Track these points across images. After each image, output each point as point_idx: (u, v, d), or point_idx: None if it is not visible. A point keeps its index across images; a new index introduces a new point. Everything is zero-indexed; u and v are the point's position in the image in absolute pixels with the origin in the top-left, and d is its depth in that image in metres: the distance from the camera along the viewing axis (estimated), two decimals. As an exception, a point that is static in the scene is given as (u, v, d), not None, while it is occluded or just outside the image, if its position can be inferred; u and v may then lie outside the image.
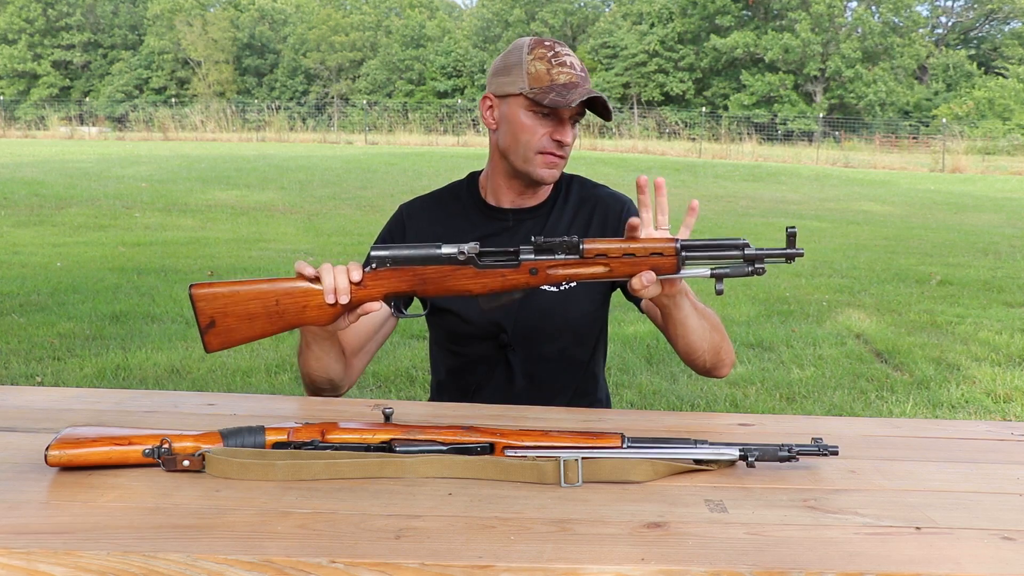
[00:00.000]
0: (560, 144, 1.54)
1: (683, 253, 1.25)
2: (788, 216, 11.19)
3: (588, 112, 1.57)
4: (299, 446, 1.13)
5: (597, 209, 1.67)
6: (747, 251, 1.24)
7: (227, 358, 4.24)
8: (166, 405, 1.40)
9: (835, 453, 1.16)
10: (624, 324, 4.99)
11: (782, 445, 1.16)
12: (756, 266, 1.25)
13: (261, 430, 1.14)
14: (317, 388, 1.55)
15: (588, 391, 1.72)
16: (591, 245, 1.26)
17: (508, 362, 1.63)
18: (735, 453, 1.15)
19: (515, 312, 1.61)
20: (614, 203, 1.68)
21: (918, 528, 0.98)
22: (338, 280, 1.28)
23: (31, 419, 1.30)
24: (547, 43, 1.55)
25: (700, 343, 1.48)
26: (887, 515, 1.01)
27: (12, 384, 3.68)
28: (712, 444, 1.16)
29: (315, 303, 1.29)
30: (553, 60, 1.51)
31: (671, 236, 1.29)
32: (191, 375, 3.99)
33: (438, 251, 1.27)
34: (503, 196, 1.65)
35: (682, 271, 1.27)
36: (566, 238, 1.26)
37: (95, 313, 5.03)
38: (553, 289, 1.62)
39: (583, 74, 1.54)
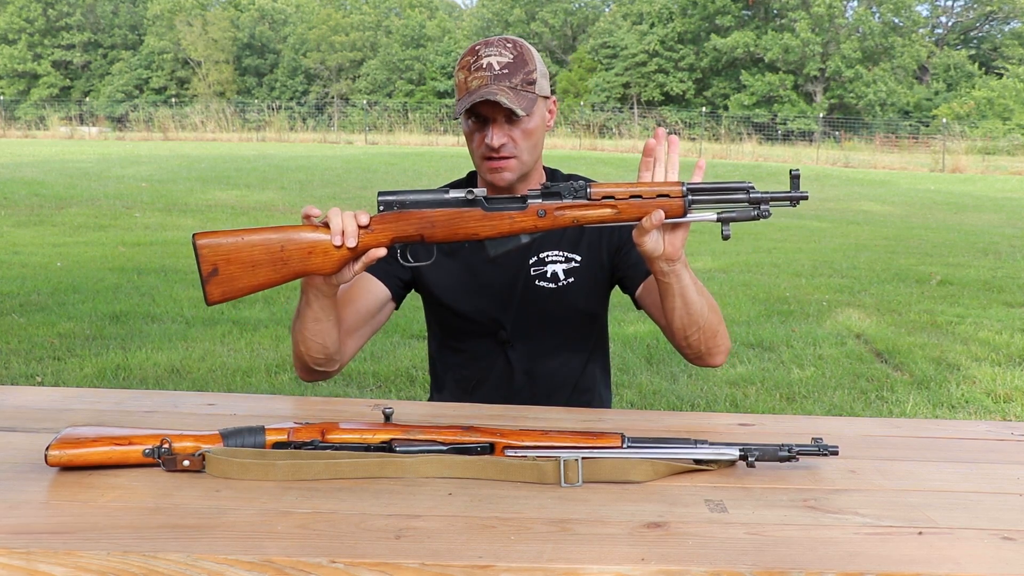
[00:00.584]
0: (489, 147, 1.51)
1: (689, 196, 1.27)
2: (788, 216, 11.19)
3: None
4: (299, 446, 1.13)
5: None
6: (752, 193, 1.25)
7: (227, 358, 4.24)
8: (166, 405, 1.40)
9: (835, 453, 1.16)
10: (624, 324, 4.99)
11: (782, 445, 1.16)
12: (761, 208, 1.26)
13: (261, 430, 1.14)
14: (310, 361, 1.50)
15: (588, 387, 1.72)
16: (598, 188, 1.27)
17: (507, 358, 1.63)
18: (735, 453, 1.15)
19: (514, 308, 1.62)
20: None
21: (918, 528, 0.98)
22: (346, 223, 1.27)
23: (31, 419, 1.30)
24: (476, 47, 1.53)
25: (697, 319, 1.45)
26: (887, 515, 1.01)
27: (12, 384, 3.68)
28: (712, 444, 1.16)
29: (321, 249, 1.27)
30: (472, 66, 1.50)
31: (678, 180, 1.30)
32: (191, 375, 3.99)
33: (445, 195, 1.28)
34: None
35: (689, 215, 1.27)
36: (572, 181, 1.28)
37: (95, 313, 5.03)
38: (551, 285, 1.62)
39: (505, 71, 1.48)
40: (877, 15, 35.34)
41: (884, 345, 4.76)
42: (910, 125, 31.04)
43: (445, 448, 1.14)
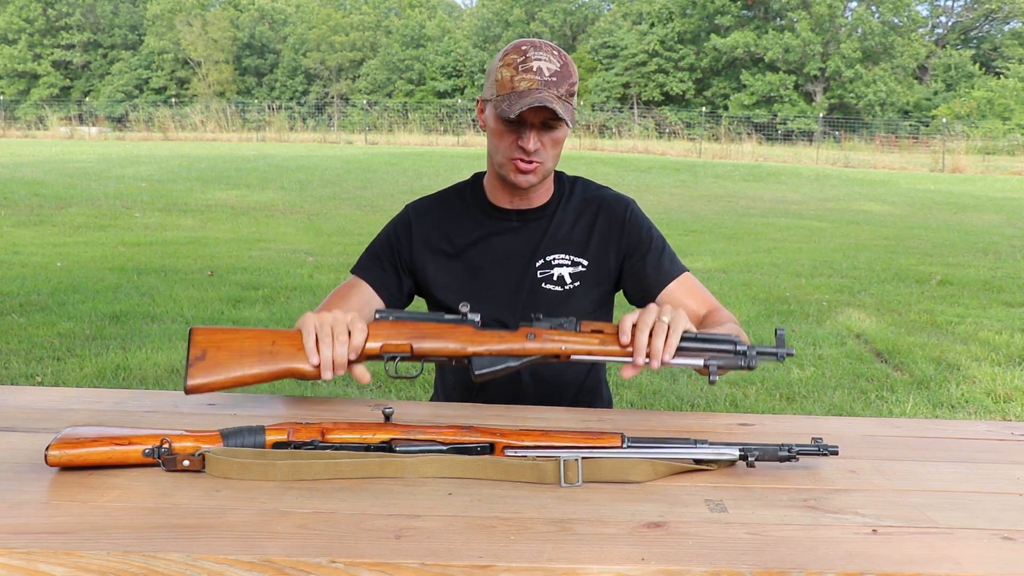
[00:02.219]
0: (524, 151, 1.52)
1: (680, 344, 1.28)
2: (788, 216, 11.19)
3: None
4: (299, 446, 1.13)
5: (601, 211, 1.67)
6: (738, 347, 1.28)
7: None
8: (166, 405, 1.40)
9: (835, 453, 1.16)
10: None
11: (782, 445, 1.16)
12: (748, 359, 1.28)
13: (261, 430, 1.14)
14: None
15: (593, 388, 1.73)
16: (587, 325, 1.30)
17: None
18: (735, 453, 1.15)
19: (519, 311, 1.62)
20: (617, 205, 1.68)
21: (918, 528, 0.98)
22: (336, 353, 1.28)
23: (31, 419, 1.30)
24: (523, 47, 1.52)
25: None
26: (887, 515, 1.01)
27: (12, 384, 3.68)
28: (712, 444, 1.16)
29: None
30: (520, 66, 1.49)
31: None
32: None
33: (442, 317, 1.31)
34: (501, 197, 1.66)
35: (676, 360, 1.29)
36: (565, 320, 1.30)
37: (95, 313, 5.03)
38: (557, 288, 1.63)
39: (553, 79, 1.49)
40: (877, 15, 35.34)
41: (884, 345, 4.76)
42: (910, 125, 31.04)
43: (445, 448, 1.14)
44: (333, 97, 40.98)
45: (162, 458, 1.09)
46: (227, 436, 1.12)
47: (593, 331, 1.29)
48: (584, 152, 23.09)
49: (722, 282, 6.43)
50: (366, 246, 1.73)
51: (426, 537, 0.91)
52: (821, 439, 1.17)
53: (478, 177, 1.71)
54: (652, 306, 1.31)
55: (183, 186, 12.58)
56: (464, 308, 1.29)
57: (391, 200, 11.28)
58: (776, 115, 33.01)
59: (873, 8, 35.74)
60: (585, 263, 1.64)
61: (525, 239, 1.65)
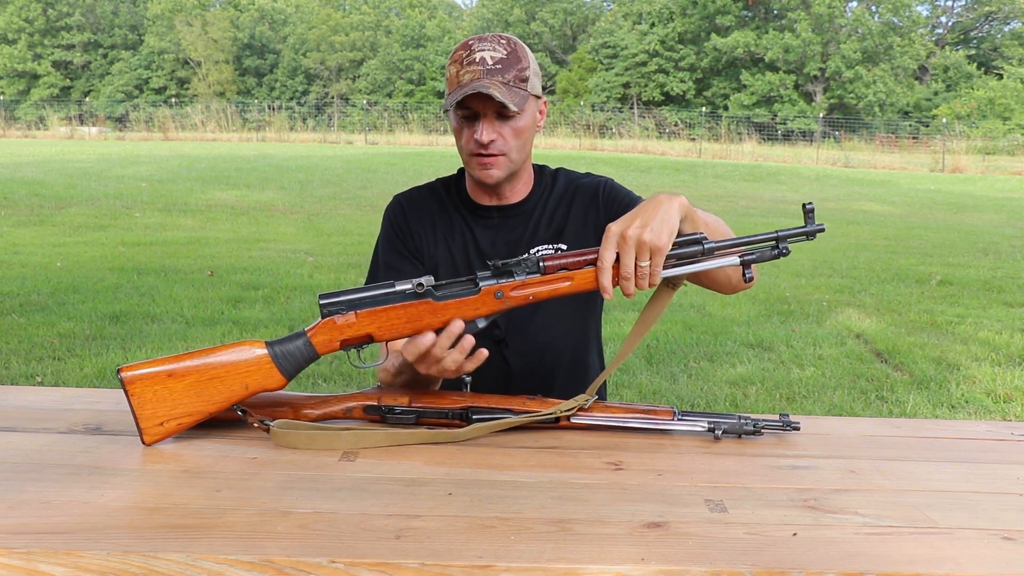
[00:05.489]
0: (479, 143, 1.49)
1: None
2: (788, 216, 11.19)
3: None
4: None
5: (576, 197, 1.64)
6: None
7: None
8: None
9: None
10: (624, 324, 5.00)
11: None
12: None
13: (302, 335, 1.24)
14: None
15: (585, 382, 1.72)
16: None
17: (503, 356, 1.63)
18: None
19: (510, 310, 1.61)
20: (592, 185, 1.65)
21: (918, 528, 0.98)
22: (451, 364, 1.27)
23: (31, 419, 1.30)
24: (470, 42, 1.51)
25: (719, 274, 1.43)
26: (887, 515, 1.01)
27: (12, 384, 3.68)
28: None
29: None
30: (464, 60, 1.48)
31: None
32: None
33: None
34: (480, 195, 1.64)
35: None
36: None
37: (95, 313, 5.03)
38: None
39: (497, 66, 1.46)
40: (877, 15, 35.33)
41: (884, 345, 4.76)
42: (910, 125, 31.03)
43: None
44: (333, 97, 40.97)
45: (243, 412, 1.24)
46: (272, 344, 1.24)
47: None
48: (584, 152, 23.08)
49: (722, 282, 6.43)
50: (370, 259, 1.70)
51: (426, 537, 0.91)
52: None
53: (463, 172, 1.69)
54: (628, 235, 1.21)
55: (183, 186, 12.58)
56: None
57: (388, 199, 11.26)
58: (776, 115, 32.99)
59: (873, 8, 35.73)
60: (564, 248, 1.61)
61: (506, 235, 1.63)
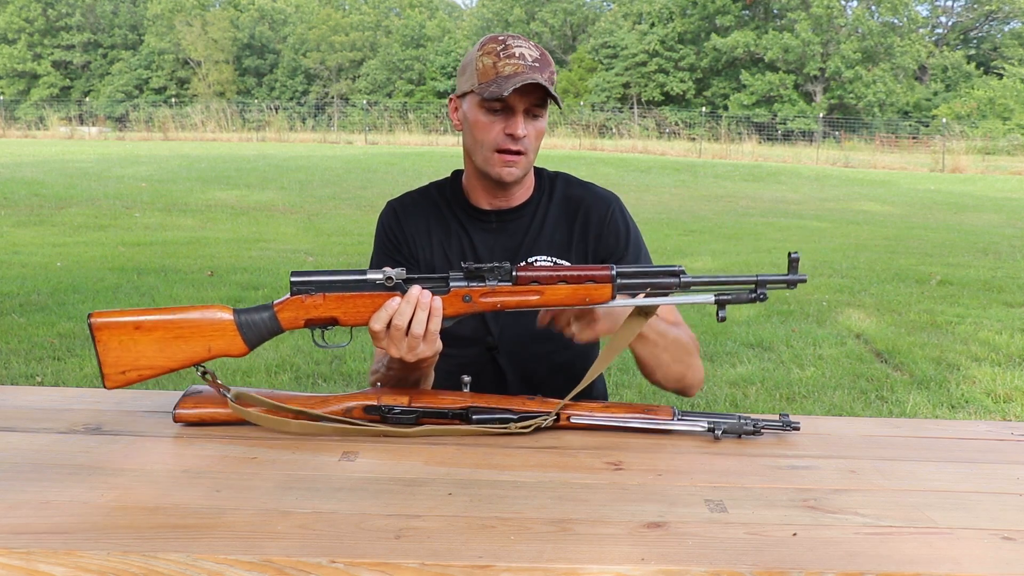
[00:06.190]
0: (513, 138, 1.48)
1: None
2: (788, 216, 11.19)
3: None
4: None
5: (581, 209, 1.62)
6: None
7: (227, 358, 4.23)
8: (166, 405, 1.39)
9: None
10: (624, 324, 4.99)
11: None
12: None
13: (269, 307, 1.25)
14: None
15: (585, 392, 1.71)
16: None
17: (497, 364, 1.62)
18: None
19: (501, 316, 1.59)
20: (600, 205, 1.63)
21: (918, 528, 0.98)
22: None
23: (31, 419, 1.30)
24: (500, 37, 1.50)
25: (657, 370, 1.48)
26: (887, 515, 1.01)
27: (12, 384, 3.68)
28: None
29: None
30: (501, 53, 1.47)
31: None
32: (191, 375, 3.98)
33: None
34: (480, 197, 1.61)
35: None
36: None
37: (95, 313, 5.03)
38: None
39: (536, 64, 1.47)
40: (877, 15, 35.33)
41: (884, 345, 4.76)
42: (910, 125, 31.03)
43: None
44: (333, 97, 40.96)
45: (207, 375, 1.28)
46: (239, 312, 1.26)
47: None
48: (584, 152, 23.07)
49: (722, 282, 6.42)
50: (367, 247, 1.70)
51: (426, 537, 0.91)
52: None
53: (457, 175, 1.67)
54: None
55: (183, 186, 12.58)
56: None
57: (387, 198, 11.26)
58: (776, 115, 32.99)
59: (872, 8, 35.73)
60: (566, 266, 1.61)
61: (505, 241, 1.60)
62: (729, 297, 1.24)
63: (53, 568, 0.86)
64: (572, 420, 1.29)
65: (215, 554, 0.87)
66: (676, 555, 0.89)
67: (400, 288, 1.24)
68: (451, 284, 1.25)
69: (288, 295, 1.25)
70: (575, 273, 1.24)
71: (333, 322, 1.25)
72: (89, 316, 1.21)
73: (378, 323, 1.24)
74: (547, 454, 1.20)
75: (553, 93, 1.45)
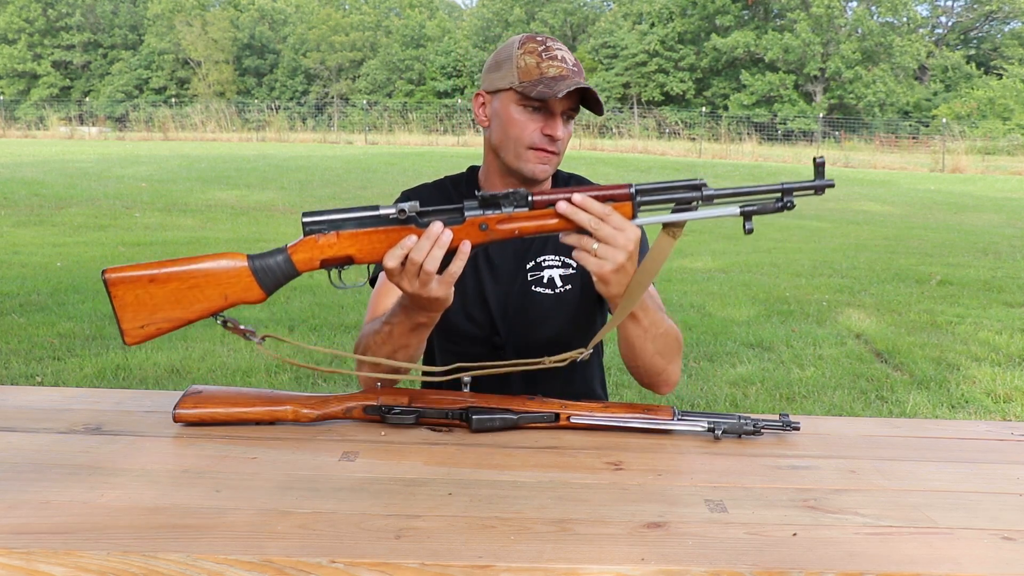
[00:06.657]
0: (551, 139, 1.49)
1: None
2: (787, 215, 11.17)
3: (582, 109, 1.55)
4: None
5: None
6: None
7: (227, 358, 4.24)
8: (166, 405, 1.39)
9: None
10: (624, 324, 4.99)
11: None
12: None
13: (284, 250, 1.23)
14: (385, 373, 1.43)
15: (586, 392, 1.71)
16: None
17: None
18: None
19: (509, 315, 1.60)
20: None
21: (918, 528, 0.98)
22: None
23: (31, 419, 1.30)
24: (539, 38, 1.52)
25: (639, 360, 1.45)
26: (887, 515, 1.01)
27: (12, 384, 3.68)
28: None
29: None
30: (544, 54, 1.48)
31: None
32: (191, 375, 3.99)
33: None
34: None
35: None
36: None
37: (95, 313, 5.03)
38: (548, 292, 1.59)
39: (575, 68, 1.49)
40: (877, 15, 35.33)
41: (884, 345, 4.76)
42: (910, 125, 31.02)
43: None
44: (333, 97, 40.96)
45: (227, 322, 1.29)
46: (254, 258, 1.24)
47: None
48: (584, 152, 23.07)
49: (722, 282, 6.43)
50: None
51: (426, 537, 0.91)
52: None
53: (473, 171, 1.67)
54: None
55: (183, 186, 12.57)
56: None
57: (391, 200, 11.24)
58: (776, 115, 32.98)
59: (872, 8, 35.73)
60: (575, 265, 1.60)
61: (517, 241, 1.60)
62: (755, 208, 1.19)
63: (53, 568, 0.86)
64: (572, 420, 1.28)
65: (215, 554, 0.87)
66: (676, 555, 0.89)
67: (414, 221, 1.22)
68: (467, 213, 1.22)
69: (301, 237, 1.23)
70: (594, 194, 1.21)
71: (348, 261, 1.23)
72: (103, 272, 1.20)
73: (392, 260, 1.21)
74: (547, 454, 1.20)
75: (600, 100, 1.47)
